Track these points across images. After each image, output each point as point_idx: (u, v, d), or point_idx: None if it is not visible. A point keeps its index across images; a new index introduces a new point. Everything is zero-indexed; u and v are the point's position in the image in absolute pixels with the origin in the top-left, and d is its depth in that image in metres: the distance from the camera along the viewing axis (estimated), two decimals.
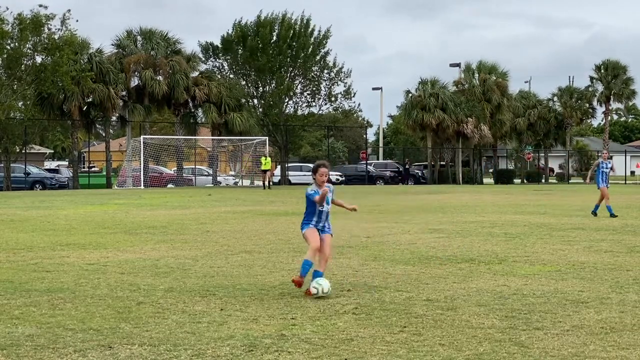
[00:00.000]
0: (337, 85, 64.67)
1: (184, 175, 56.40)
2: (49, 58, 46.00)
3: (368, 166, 64.55)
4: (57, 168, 64.06)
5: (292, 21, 61.29)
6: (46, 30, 46.07)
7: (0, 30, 43.94)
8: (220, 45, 61.83)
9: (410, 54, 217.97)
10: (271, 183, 47.35)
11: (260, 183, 55.39)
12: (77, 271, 11.96)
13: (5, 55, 45.53)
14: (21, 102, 48.99)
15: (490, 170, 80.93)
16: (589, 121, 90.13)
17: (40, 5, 45.57)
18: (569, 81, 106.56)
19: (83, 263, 12.89)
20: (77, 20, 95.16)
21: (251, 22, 61.58)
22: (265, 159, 48.14)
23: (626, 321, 8.32)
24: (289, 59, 61.39)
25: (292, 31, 60.85)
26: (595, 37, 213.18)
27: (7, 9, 45.36)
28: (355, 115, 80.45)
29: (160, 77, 53.39)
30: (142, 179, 48.89)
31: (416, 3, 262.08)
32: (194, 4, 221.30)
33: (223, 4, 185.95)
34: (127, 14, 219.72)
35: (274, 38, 60.88)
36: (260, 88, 63.16)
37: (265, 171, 47.77)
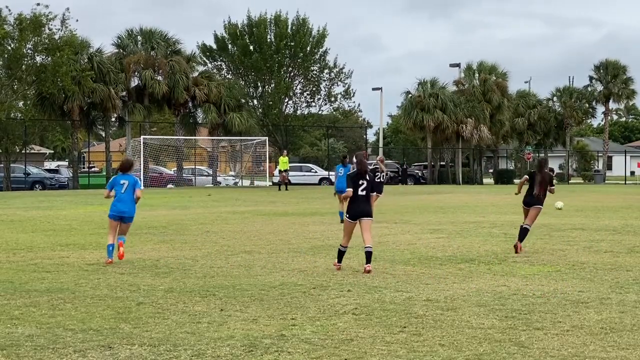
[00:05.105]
0: (337, 85, 64.79)
1: (183, 175, 56.36)
2: (49, 58, 45.98)
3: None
4: (57, 168, 63.96)
5: (289, 20, 61.34)
6: (47, 31, 46.04)
7: (1, 31, 43.89)
8: (213, 46, 62.15)
9: (422, 54, 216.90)
10: (283, 184, 45.50)
11: (263, 183, 55.33)
12: (77, 271, 11.97)
13: (6, 56, 45.50)
14: (21, 102, 48.95)
15: (490, 171, 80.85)
16: (589, 121, 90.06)
17: (39, 4, 45.50)
18: (569, 81, 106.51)
19: (83, 263, 12.89)
20: (77, 20, 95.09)
21: (242, 21, 62.01)
22: (284, 158, 46.50)
23: (626, 321, 8.32)
24: (287, 59, 61.47)
25: (288, 30, 60.91)
26: (608, 37, 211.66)
27: (7, 7, 45.33)
28: (355, 115, 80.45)
29: (160, 77, 53.37)
30: (141, 179, 48.88)
31: (433, 2, 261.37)
32: (209, 3, 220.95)
33: (239, 2, 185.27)
34: (140, 14, 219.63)
35: (271, 37, 60.97)
36: (260, 88, 63.25)
37: (284, 171, 45.99)
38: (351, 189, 11.78)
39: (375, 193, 12.15)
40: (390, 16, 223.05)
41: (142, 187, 13.54)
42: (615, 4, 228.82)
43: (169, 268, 12.37)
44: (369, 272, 11.61)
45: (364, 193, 11.77)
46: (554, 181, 14.87)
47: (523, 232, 14.47)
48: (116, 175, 13.42)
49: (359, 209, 11.77)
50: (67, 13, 46.53)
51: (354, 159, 12.19)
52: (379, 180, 21.66)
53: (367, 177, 11.85)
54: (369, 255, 11.73)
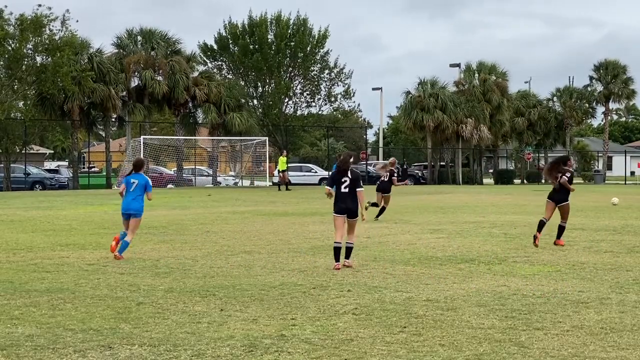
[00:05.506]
0: (337, 85, 64.80)
1: (183, 175, 56.34)
2: (49, 59, 45.98)
3: (368, 166, 64.50)
4: (57, 168, 63.97)
5: (291, 21, 61.40)
6: (47, 32, 46.06)
7: (2, 32, 43.88)
8: (214, 45, 62.30)
9: (422, 54, 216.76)
10: (285, 184, 45.20)
11: (263, 183, 55.33)
12: (77, 271, 11.97)
13: (6, 56, 45.50)
14: (21, 103, 48.95)
15: (490, 171, 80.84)
16: (589, 121, 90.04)
17: (40, 5, 45.54)
18: (569, 81, 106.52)
19: (83, 263, 12.90)
20: (77, 21, 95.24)
21: (242, 21, 62.18)
22: (283, 159, 46.21)
23: (626, 321, 8.32)
24: (287, 59, 61.50)
25: (288, 30, 60.96)
26: (608, 37, 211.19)
27: (6, 6, 45.30)
28: (355, 115, 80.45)
29: (160, 77, 53.36)
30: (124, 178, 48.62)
31: (433, 2, 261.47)
32: (209, 3, 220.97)
33: (239, 2, 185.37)
34: (140, 14, 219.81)
35: (271, 37, 61.04)
36: (260, 88, 63.29)
37: (282, 171, 45.75)
38: (328, 187, 12.46)
39: (360, 189, 12.48)
40: (390, 16, 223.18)
41: (151, 190, 14.17)
42: (615, 4, 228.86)
43: (169, 268, 12.37)
44: (349, 267, 12.20)
45: (347, 190, 12.28)
46: (563, 178, 15.40)
47: (541, 225, 15.41)
48: (129, 174, 14.20)
49: (343, 205, 12.26)
50: (67, 14, 46.60)
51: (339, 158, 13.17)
52: (382, 179, 22.95)
53: (349, 175, 12.35)
54: (349, 251, 12.32)
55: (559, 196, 15.44)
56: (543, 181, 73.81)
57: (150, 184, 14.23)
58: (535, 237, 15.25)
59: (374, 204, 22.69)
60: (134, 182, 13.89)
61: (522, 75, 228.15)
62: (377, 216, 22.25)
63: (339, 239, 12.23)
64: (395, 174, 23.84)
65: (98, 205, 29.16)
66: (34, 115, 49.40)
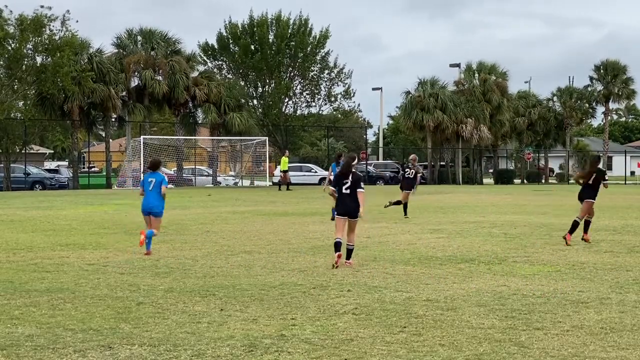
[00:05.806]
0: (337, 85, 64.82)
1: (183, 175, 56.32)
2: (49, 59, 45.98)
3: (368, 166, 64.49)
4: (57, 168, 63.96)
5: (291, 21, 61.47)
6: (47, 32, 46.06)
7: (2, 32, 43.88)
8: (216, 45, 62.35)
9: (422, 54, 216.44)
10: (285, 184, 45.21)
11: (263, 183, 55.33)
12: (77, 271, 11.97)
13: (6, 56, 45.49)
14: (21, 102, 48.95)
15: (490, 171, 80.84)
16: (589, 121, 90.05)
17: (42, 6, 45.57)
18: (569, 81, 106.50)
19: (83, 263, 12.90)
20: (77, 21, 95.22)
21: (242, 21, 62.25)
22: (285, 159, 46.23)
23: (626, 321, 8.32)
24: (287, 59, 61.52)
25: (289, 30, 61.01)
26: (608, 37, 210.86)
27: (6, 6, 45.28)
28: (355, 115, 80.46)
29: (160, 77, 53.34)
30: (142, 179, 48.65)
31: (433, 2, 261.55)
32: (209, 3, 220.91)
33: (239, 2, 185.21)
34: (140, 14, 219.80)
35: (272, 37, 61.07)
36: (260, 88, 63.32)
37: (284, 171, 45.80)
38: (332, 188, 13.02)
39: (360, 190, 12.66)
40: (390, 16, 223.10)
41: (168, 185, 14.70)
42: (615, 4, 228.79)
43: (169, 268, 12.37)
44: (350, 265, 12.50)
45: (348, 192, 12.58)
46: (605, 183, 16.32)
47: (573, 225, 16.01)
48: (145, 174, 14.81)
49: (345, 207, 12.55)
50: (67, 14, 46.61)
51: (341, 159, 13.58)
52: (407, 176, 23.39)
53: (350, 177, 12.65)
54: (349, 252, 12.61)
55: (586, 194, 16.13)
56: (543, 181, 74.01)
57: (166, 179, 14.70)
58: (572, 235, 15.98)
59: (398, 203, 23.08)
60: (151, 181, 14.36)
61: (522, 75, 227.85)
62: (405, 213, 22.81)
63: (340, 235, 12.43)
64: (420, 173, 24.05)
65: (98, 205, 29.16)
66: (34, 115, 49.40)
